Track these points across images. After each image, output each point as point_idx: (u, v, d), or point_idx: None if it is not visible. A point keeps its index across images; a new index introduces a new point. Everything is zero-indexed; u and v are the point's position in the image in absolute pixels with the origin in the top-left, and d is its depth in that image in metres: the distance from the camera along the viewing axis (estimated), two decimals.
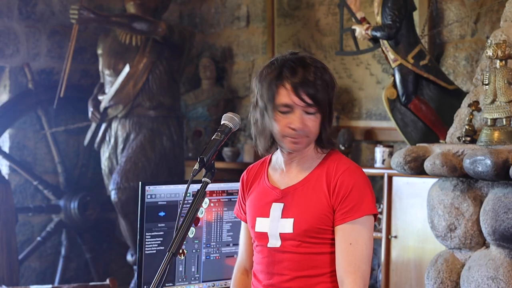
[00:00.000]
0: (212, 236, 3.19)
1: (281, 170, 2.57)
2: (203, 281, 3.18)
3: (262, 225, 2.55)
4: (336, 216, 2.45)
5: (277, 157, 2.59)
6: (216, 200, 3.18)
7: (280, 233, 2.50)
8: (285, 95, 2.41)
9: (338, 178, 2.46)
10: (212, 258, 3.19)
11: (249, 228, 2.62)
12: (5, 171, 5.95)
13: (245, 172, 2.68)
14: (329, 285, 2.49)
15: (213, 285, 3.21)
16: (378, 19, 4.49)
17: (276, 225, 2.51)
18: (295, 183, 2.52)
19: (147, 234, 3.06)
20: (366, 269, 2.45)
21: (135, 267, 5.41)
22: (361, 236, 2.44)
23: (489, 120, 3.45)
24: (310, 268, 2.48)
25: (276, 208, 2.52)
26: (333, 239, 2.47)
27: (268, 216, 2.53)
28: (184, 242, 2.38)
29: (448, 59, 4.88)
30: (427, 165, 3.51)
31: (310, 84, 2.41)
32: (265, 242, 2.54)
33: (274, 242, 2.51)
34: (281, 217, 2.50)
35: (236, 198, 3.14)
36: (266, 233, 2.53)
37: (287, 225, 2.49)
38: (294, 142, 2.46)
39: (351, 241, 2.44)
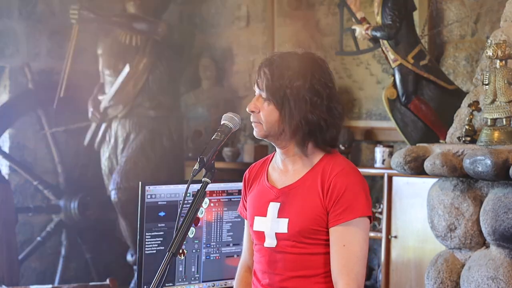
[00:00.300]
0: (212, 236, 3.19)
1: (279, 170, 2.58)
2: (203, 281, 3.18)
3: (259, 224, 2.55)
4: (330, 218, 2.44)
5: (276, 155, 2.60)
6: (216, 200, 3.18)
7: (275, 233, 2.50)
8: None
9: (332, 180, 2.45)
10: (212, 258, 3.20)
11: (248, 227, 2.63)
12: (5, 171, 5.95)
13: (247, 170, 2.69)
14: (324, 286, 2.48)
15: (213, 285, 3.21)
16: (378, 19, 4.48)
17: (272, 224, 2.51)
18: (292, 183, 2.52)
19: (147, 234, 3.06)
20: (359, 271, 2.44)
21: (135, 267, 5.41)
22: (355, 238, 2.43)
23: (489, 120, 3.45)
24: (305, 268, 2.48)
25: (273, 207, 2.52)
26: (328, 240, 2.46)
27: (265, 215, 2.53)
28: (184, 242, 2.38)
29: (448, 59, 4.88)
30: (427, 165, 3.51)
31: (265, 70, 2.46)
32: (262, 242, 2.54)
33: (270, 241, 2.51)
34: (277, 217, 2.51)
35: (236, 198, 3.16)
36: (263, 232, 2.53)
37: (283, 225, 2.49)
38: (253, 125, 2.52)
39: (344, 242, 2.43)
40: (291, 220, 2.47)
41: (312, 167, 2.50)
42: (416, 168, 3.59)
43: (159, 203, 3.08)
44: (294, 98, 2.44)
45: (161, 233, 3.09)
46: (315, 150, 2.51)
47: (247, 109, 2.52)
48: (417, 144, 3.79)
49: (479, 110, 3.58)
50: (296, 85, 2.44)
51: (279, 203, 2.51)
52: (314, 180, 2.48)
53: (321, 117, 2.47)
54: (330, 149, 2.54)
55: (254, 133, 2.54)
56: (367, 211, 2.46)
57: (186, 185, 2.42)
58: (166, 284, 3.06)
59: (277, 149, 2.56)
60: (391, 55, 4.51)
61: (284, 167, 2.56)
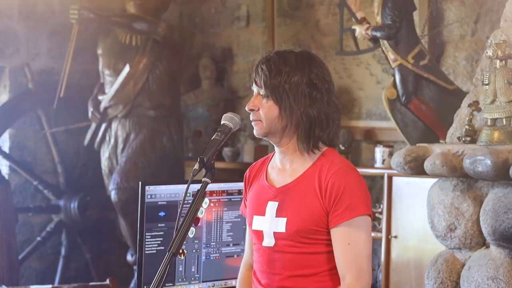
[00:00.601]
0: (212, 236, 3.19)
1: (278, 168, 2.58)
2: (203, 281, 3.18)
3: (258, 223, 2.55)
4: (330, 219, 2.44)
5: (275, 155, 2.60)
6: (216, 200, 3.18)
7: (274, 232, 2.50)
8: None
9: (330, 179, 2.44)
10: (212, 258, 3.20)
11: (248, 226, 2.62)
12: (5, 171, 5.95)
13: (248, 169, 2.69)
14: (323, 284, 2.47)
15: (213, 285, 3.21)
16: (378, 19, 4.48)
17: (271, 224, 2.51)
18: (289, 182, 2.52)
19: (147, 234, 3.06)
20: (368, 269, 2.43)
21: (135, 267, 5.41)
22: (359, 236, 2.43)
23: (489, 120, 3.45)
24: (304, 267, 2.47)
25: (271, 206, 2.52)
26: (328, 240, 2.45)
27: (264, 215, 2.53)
28: (184, 242, 2.38)
29: (448, 59, 4.88)
30: (427, 165, 3.51)
31: (262, 67, 2.47)
32: (261, 241, 2.54)
33: (269, 241, 2.51)
34: (275, 216, 2.50)
35: (236, 198, 3.16)
36: (262, 231, 2.53)
37: (281, 225, 2.48)
38: (253, 124, 2.52)
39: (349, 241, 2.42)
40: (289, 220, 2.47)
41: (310, 165, 2.50)
42: (416, 168, 3.59)
43: (159, 203, 3.08)
44: (293, 93, 2.45)
45: (161, 233, 3.09)
46: (313, 148, 2.50)
47: (246, 108, 2.52)
48: (417, 144, 3.79)
49: (479, 110, 3.58)
50: (294, 80, 2.45)
51: (277, 202, 2.51)
52: (311, 179, 2.47)
53: (321, 111, 2.47)
54: (328, 148, 2.53)
55: (254, 132, 2.53)
56: (367, 209, 2.45)
57: (186, 185, 2.42)
58: (166, 284, 3.06)
59: (276, 148, 2.56)
60: (391, 55, 4.51)
61: (282, 166, 2.56)
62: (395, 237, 4.57)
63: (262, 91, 2.48)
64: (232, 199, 3.20)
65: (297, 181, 2.50)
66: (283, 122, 2.47)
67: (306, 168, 2.50)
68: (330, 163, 2.48)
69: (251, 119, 2.52)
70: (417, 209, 4.37)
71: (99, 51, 5.84)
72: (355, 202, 2.43)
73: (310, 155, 2.51)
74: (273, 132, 2.50)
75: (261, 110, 2.49)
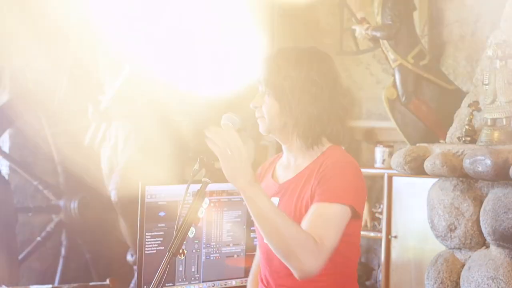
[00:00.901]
0: (212, 236, 3.19)
1: (284, 165, 2.58)
2: (203, 281, 3.18)
3: None
4: (314, 198, 2.36)
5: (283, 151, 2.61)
6: (216, 200, 3.18)
7: None
8: None
9: (325, 168, 2.40)
10: (212, 258, 3.19)
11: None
12: (5, 171, 5.95)
13: (261, 166, 2.70)
14: (321, 284, 2.45)
15: (213, 285, 3.21)
16: (378, 19, 4.49)
17: None
18: (291, 178, 2.52)
19: (147, 234, 3.06)
20: (328, 252, 2.27)
21: (135, 267, 5.41)
22: (334, 219, 2.31)
23: (489, 120, 3.45)
24: None
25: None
26: None
27: None
28: (184, 242, 2.38)
29: (448, 59, 4.88)
30: (427, 165, 3.51)
31: (264, 64, 2.47)
32: (263, 238, 2.53)
33: None
34: None
35: (236, 198, 3.16)
36: None
37: None
38: (258, 121, 2.53)
39: (321, 215, 2.31)
40: (287, 215, 2.45)
41: (312, 161, 2.49)
42: (416, 168, 3.59)
43: (159, 203, 3.08)
44: (293, 90, 2.43)
45: (161, 233, 3.09)
46: (313, 145, 2.49)
47: (250, 106, 2.52)
48: (417, 144, 3.79)
49: (479, 110, 3.59)
50: (292, 75, 2.44)
51: (278, 198, 2.51)
52: (311, 174, 2.46)
53: (322, 108, 2.44)
54: (332, 145, 2.51)
55: (260, 129, 2.54)
56: (353, 201, 2.35)
57: (186, 185, 2.42)
58: (166, 284, 3.07)
59: (282, 144, 2.57)
60: (391, 55, 4.51)
61: (288, 162, 2.56)
62: (395, 237, 4.57)
63: (263, 88, 2.49)
64: (232, 199, 3.20)
65: (298, 177, 2.49)
66: (283, 119, 2.47)
67: (309, 163, 2.49)
68: (332, 157, 2.45)
69: (256, 116, 2.52)
70: (417, 209, 4.38)
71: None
72: (341, 189, 2.35)
73: (313, 151, 2.49)
74: (275, 129, 2.50)
75: (263, 106, 2.49)
